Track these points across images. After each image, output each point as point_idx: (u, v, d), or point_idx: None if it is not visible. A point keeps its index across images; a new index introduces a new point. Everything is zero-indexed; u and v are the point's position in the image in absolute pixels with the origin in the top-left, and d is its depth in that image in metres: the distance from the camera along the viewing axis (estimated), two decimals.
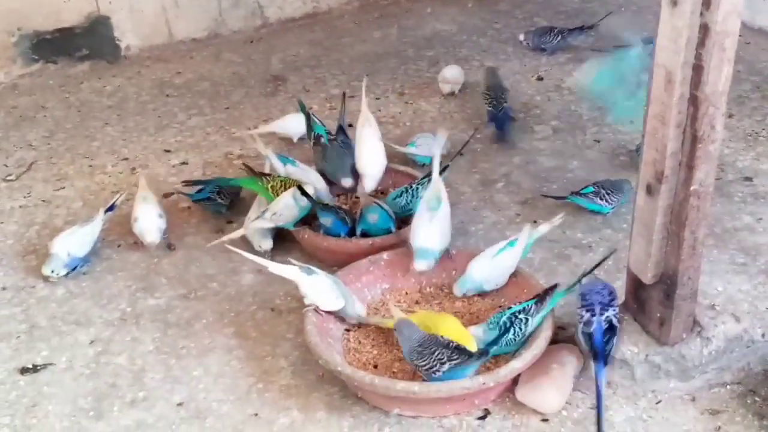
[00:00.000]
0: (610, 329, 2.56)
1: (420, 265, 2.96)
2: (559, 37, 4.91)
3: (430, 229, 2.98)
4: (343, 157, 3.52)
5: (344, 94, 3.80)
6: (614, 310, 2.58)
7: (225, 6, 5.37)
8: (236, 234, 3.25)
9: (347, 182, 3.47)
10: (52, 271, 3.23)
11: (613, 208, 3.43)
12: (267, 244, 3.29)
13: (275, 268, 2.83)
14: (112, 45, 5.13)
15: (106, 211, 3.43)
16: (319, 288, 2.77)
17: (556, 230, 3.23)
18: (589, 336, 2.54)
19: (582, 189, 3.46)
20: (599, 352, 2.53)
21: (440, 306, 2.96)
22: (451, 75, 4.53)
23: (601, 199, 3.41)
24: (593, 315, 2.56)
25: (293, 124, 4.07)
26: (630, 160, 3.77)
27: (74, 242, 3.26)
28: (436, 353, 2.52)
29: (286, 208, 3.19)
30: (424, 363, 2.54)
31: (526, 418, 2.59)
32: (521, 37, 5.02)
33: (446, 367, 2.50)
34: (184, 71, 5.02)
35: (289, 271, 2.81)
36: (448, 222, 3.05)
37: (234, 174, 3.86)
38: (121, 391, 2.77)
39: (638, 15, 5.44)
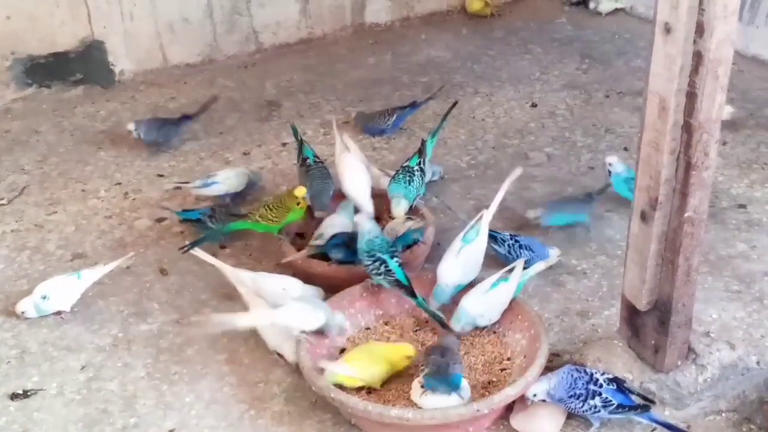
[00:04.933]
0: (617, 382, 2.55)
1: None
2: (394, 116, 4.41)
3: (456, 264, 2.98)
4: (326, 180, 3.53)
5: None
6: (602, 376, 2.55)
7: (219, 31, 5.39)
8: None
9: (320, 214, 3.45)
10: (23, 312, 3.18)
11: None
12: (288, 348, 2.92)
13: (245, 321, 2.86)
14: (106, 69, 5.13)
15: None
16: (291, 315, 2.76)
17: None
18: (621, 406, 2.51)
19: None
20: (638, 406, 2.53)
21: (434, 332, 2.94)
22: None
23: None
24: (599, 394, 2.51)
25: None
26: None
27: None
28: (431, 356, 2.60)
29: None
30: (422, 362, 2.62)
31: None
32: (353, 113, 4.58)
33: (426, 370, 2.56)
34: (178, 96, 5.02)
35: (260, 316, 2.82)
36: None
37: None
38: (112, 418, 2.74)
39: (630, 42, 5.47)
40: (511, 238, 3.26)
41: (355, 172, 3.50)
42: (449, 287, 2.94)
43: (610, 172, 3.66)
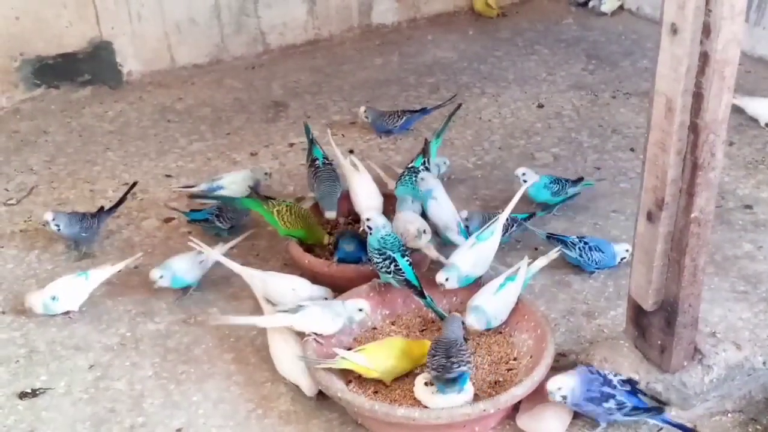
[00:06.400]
0: (630, 384, 2.56)
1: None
2: (403, 119, 4.42)
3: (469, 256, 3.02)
4: (334, 182, 3.55)
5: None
6: (615, 378, 2.56)
7: (227, 32, 5.40)
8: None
9: (330, 215, 3.47)
10: (29, 307, 3.19)
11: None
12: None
13: (264, 322, 2.88)
14: (114, 70, 5.15)
15: None
16: (311, 320, 2.77)
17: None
18: (635, 409, 2.51)
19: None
20: (652, 408, 2.53)
21: (439, 332, 2.94)
22: None
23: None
24: (613, 397, 2.51)
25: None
26: None
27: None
28: (435, 357, 2.57)
29: None
30: (427, 362, 2.61)
31: None
32: (362, 108, 4.54)
33: (434, 373, 2.54)
34: (185, 97, 5.03)
35: (278, 319, 2.84)
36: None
37: None
38: (120, 417, 2.75)
39: (636, 43, 5.47)
40: (580, 241, 3.28)
41: (367, 192, 3.51)
42: (459, 270, 2.96)
43: (525, 182, 3.63)
